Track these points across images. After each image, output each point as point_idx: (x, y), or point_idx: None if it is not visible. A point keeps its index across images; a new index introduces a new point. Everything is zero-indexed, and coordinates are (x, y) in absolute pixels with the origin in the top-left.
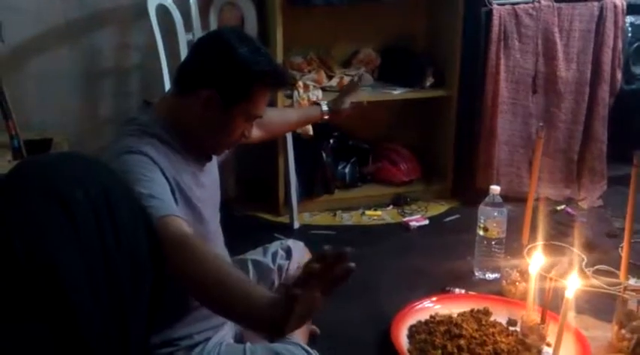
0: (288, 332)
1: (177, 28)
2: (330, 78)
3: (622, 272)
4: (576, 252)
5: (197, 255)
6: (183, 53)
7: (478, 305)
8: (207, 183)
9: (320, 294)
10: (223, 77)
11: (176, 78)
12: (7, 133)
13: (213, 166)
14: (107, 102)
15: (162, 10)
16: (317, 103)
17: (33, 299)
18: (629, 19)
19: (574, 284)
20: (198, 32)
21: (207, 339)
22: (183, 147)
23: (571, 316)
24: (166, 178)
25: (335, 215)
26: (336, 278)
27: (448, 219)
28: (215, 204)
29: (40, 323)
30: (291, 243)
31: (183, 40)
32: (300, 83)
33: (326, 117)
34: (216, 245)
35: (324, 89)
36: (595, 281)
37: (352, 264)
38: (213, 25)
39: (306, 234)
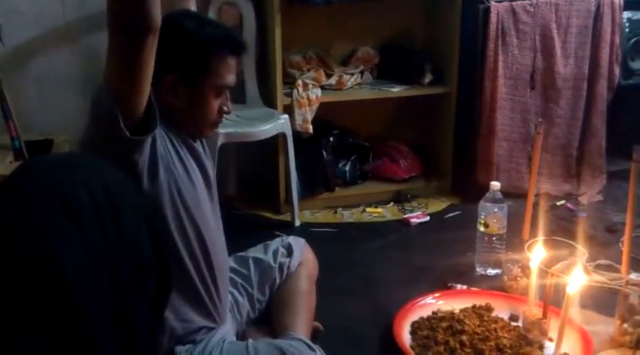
0: None
1: None
2: (329, 76)
3: (623, 267)
4: (577, 247)
5: None
6: None
7: (480, 300)
8: (203, 159)
9: None
10: (178, 56)
11: None
12: (8, 135)
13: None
14: None
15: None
16: None
17: (37, 299)
18: (626, 14)
19: (578, 280)
20: None
21: (209, 330)
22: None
23: (573, 311)
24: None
25: (336, 212)
26: None
27: (449, 215)
28: (211, 184)
29: (45, 323)
30: (291, 240)
31: None
32: (300, 82)
33: None
34: (208, 225)
35: (323, 87)
36: (596, 276)
37: None
38: None
39: (307, 231)
